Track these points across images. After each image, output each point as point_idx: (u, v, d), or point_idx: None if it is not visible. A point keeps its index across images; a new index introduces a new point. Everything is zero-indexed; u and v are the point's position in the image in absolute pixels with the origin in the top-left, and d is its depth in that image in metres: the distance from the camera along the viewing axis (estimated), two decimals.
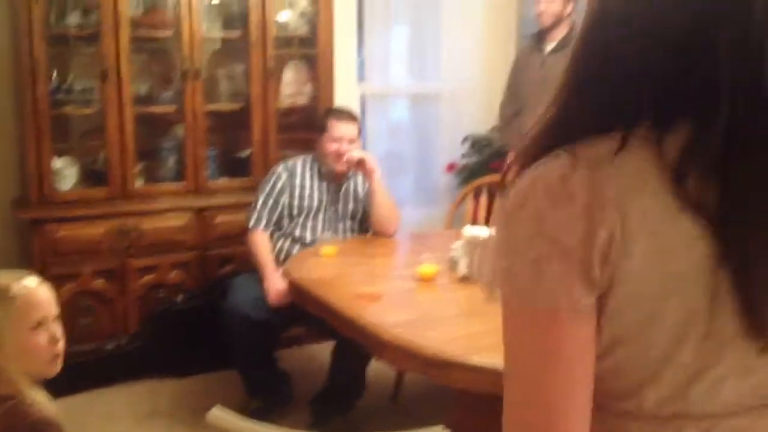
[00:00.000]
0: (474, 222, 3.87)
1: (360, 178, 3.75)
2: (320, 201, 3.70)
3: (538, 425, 0.89)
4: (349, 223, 3.75)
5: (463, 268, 2.90)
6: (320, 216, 3.70)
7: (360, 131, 3.82)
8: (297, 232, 3.66)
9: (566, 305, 0.87)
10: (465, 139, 4.94)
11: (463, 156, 4.95)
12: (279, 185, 3.68)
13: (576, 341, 0.88)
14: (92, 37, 3.86)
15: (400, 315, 2.57)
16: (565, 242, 0.86)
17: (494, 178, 4.11)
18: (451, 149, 5.00)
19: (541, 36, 4.32)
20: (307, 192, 3.70)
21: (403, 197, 4.99)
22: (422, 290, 2.88)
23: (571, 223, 0.86)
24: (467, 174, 4.83)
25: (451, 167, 4.95)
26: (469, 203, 4.06)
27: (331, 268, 3.15)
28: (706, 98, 0.85)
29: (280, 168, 3.74)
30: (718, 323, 0.88)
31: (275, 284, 3.39)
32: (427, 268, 2.93)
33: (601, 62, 0.91)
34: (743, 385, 0.92)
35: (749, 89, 0.85)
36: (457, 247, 2.98)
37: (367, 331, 2.46)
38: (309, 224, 3.68)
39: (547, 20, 4.18)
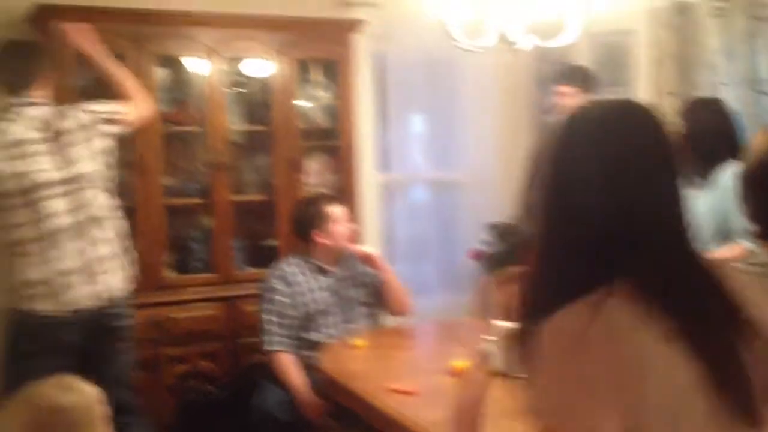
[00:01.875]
0: (506, 315, 3.86)
1: (357, 263, 3.74)
2: (329, 295, 3.63)
3: None
4: (361, 309, 3.72)
5: (499, 364, 2.90)
6: (332, 310, 3.62)
7: None
8: (314, 338, 3.55)
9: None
10: (487, 227, 4.97)
11: (485, 243, 4.97)
12: (278, 298, 3.54)
13: None
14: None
15: (438, 412, 2.56)
16: (591, 382, 1.08)
17: (521, 268, 4.14)
18: (473, 236, 5.03)
19: None
20: (314, 295, 3.60)
21: (427, 282, 5.01)
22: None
23: (593, 366, 1.08)
24: (492, 262, 4.85)
25: (476, 254, 4.97)
26: (496, 293, 4.06)
27: (364, 361, 3.16)
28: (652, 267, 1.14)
29: (273, 280, 3.59)
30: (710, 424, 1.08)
31: (310, 405, 3.36)
32: (461, 362, 2.94)
33: (571, 251, 1.19)
34: None
35: (667, 254, 1.15)
36: (489, 340, 2.99)
37: (406, 427, 2.45)
38: (324, 323, 3.59)
39: (566, 113, 4.23)
